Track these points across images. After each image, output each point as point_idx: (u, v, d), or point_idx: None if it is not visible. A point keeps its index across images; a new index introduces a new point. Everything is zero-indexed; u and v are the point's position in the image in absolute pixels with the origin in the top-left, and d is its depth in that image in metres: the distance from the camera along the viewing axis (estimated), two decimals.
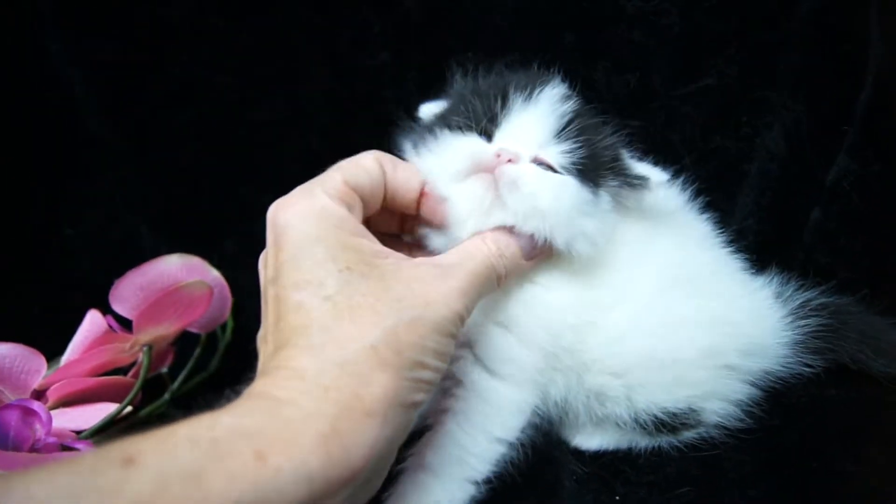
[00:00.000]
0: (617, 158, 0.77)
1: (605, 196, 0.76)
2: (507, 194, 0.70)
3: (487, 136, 0.75)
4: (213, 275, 0.96)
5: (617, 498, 0.72)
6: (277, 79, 1.13)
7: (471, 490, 0.72)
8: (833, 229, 1.04)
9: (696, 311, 0.80)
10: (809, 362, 0.85)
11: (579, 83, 0.93)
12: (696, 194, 0.89)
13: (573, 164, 0.73)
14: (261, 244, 1.10)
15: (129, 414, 0.91)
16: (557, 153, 0.73)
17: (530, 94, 0.75)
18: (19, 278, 1.17)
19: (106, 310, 0.93)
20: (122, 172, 1.17)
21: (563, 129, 0.74)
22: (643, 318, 0.78)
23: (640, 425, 0.79)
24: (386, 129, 0.97)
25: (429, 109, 0.84)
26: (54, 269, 1.18)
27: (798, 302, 0.88)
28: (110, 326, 0.92)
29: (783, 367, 0.84)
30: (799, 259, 1.03)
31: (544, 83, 0.77)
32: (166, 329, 0.93)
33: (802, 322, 0.86)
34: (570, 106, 0.76)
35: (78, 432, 0.85)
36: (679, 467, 0.77)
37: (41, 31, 1.14)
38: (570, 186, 0.73)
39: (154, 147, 1.17)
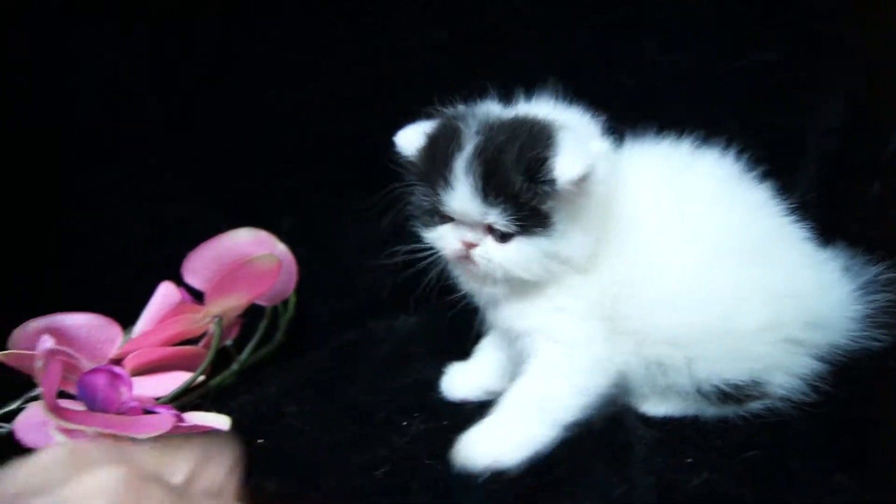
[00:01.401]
0: (545, 178, 0.77)
1: (562, 216, 0.79)
2: (490, 271, 0.81)
3: (450, 218, 0.82)
4: (280, 248, 1.01)
5: (689, 460, 0.76)
6: (332, 57, 1.18)
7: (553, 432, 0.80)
8: (893, 202, 1.06)
9: (753, 282, 0.82)
10: (877, 337, 0.86)
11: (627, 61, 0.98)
12: (754, 164, 0.90)
13: (514, 220, 0.78)
14: (317, 220, 1.18)
15: (201, 383, 0.97)
16: (497, 219, 0.78)
17: (447, 176, 0.79)
18: (82, 253, 1.24)
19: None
20: (180, 152, 1.23)
21: (487, 194, 0.77)
22: (692, 287, 0.81)
23: (704, 396, 0.83)
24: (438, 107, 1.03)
25: (406, 138, 0.86)
26: (116, 244, 1.25)
27: (866, 276, 0.89)
28: (182, 298, 0.99)
29: (850, 340, 0.86)
30: (859, 233, 1.04)
31: (456, 153, 0.79)
32: (236, 301, 0.98)
33: (871, 297, 0.87)
34: (478, 164, 0.77)
35: (155, 399, 0.91)
36: (746, 434, 0.80)
37: (92, 13, 1.20)
38: (527, 249, 0.79)
39: (209, 126, 1.22)
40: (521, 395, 0.83)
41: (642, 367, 0.84)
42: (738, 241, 0.84)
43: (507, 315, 0.86)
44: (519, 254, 0.80)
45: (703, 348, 0.81)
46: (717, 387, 0.82)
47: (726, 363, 0.82)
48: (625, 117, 0.93)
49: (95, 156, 1.23)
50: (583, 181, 0.77)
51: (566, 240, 0.80)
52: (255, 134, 1.22)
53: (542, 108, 0.87)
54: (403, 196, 0.87)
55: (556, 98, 0.88)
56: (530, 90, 0.89)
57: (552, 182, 0.76)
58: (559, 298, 0.83)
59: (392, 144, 0.87)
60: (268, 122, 1.21)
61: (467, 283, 0.87)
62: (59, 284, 1.24)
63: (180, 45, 1.20)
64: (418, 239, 0.87)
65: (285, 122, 1.21)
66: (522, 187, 0.77)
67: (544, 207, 0.78)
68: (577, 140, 0.79)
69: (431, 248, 0.86)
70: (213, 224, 1.16)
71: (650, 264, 0.82)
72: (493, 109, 0.86)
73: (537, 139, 0.78)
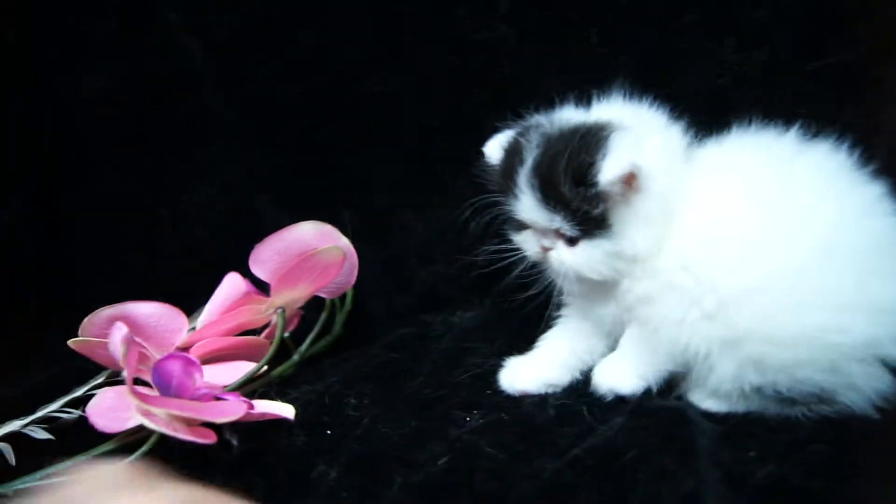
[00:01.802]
0: (590, 182, 0.83)
1: (619, 216, 0.84)
2: (564, 272, 0.89)
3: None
4: (343, 241, 1.02)
5: (751, 454, 0.77)
6: (394, 52, 1.19)
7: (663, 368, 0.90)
8: None
9: (858, 290, 0.79)
10: None
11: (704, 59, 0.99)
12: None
13: (575, 225, 0.85)
14: (374, 215, 1.22)
15: (264, 373, 1.00)
16: (561, 225, 0.86)
17: (514, 189, 0.88)
18: (134, 245, 1.29)
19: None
20: (236, 144, 1.26)
21: (547, 204, 0.85)
22: (794, 287, 0.80)
23: (788, 398, 0.82)
24: (502, 105, 1.05)
25: (490, 150, 0.95)
26: (170, 236, 1.29)
27: None
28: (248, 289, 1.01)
29: None
30: None
31: (518, 167, 0.87)
32: (300, 292, 1.01)
33: None
34: (535, 177, 0.85)
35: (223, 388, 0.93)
36: (809, 429, 0.81)
37: (161, 3, 1.23)
38: (592, 252, 0.86)
39: (269, 119, 1.25)
40: (631, 336, 0.92)
41: (733, 364, 0.83)
42: (847, 242, 0.81)
43: (594, 306, 0.94)
44: (585, 256, 0.86)
45: (804, 353, 0.80)
46: (807, 391, 0.82)
47: (817, 372, 0.80)
48: (697, 114, 0.96)
49: (160, 148, 1.28)
50: (630, 180, 0.82)
51: (627, 239, 0.85)
52: (315, 128, 1.24)
53: (610, 108, 0.91)
54: (492, 204, 0.94)
55: (627, 96, 0.93)
56: (603, 86, 0.94)
57: (595, 185, 0.82)
58: (642, 286, 0.88)
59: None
60: (328, 117, 1.23)
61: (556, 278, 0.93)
62: (124, 274, 1.28)
63: (248, 39, 1.23)
64: (503, 239, 0.96)
65: (346, 116, 1.23)
66: (572, 194, 0.83)
67: (597, 211, 0.83)
68: (626, 141, 0.83)
69: (517, 249, 0.93)
70: (273, 217, 1.20)
71: (751, 258, 0.82)
72: (561, 116, 0.91)
73: (587, 145, 0.84)
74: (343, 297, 1.13)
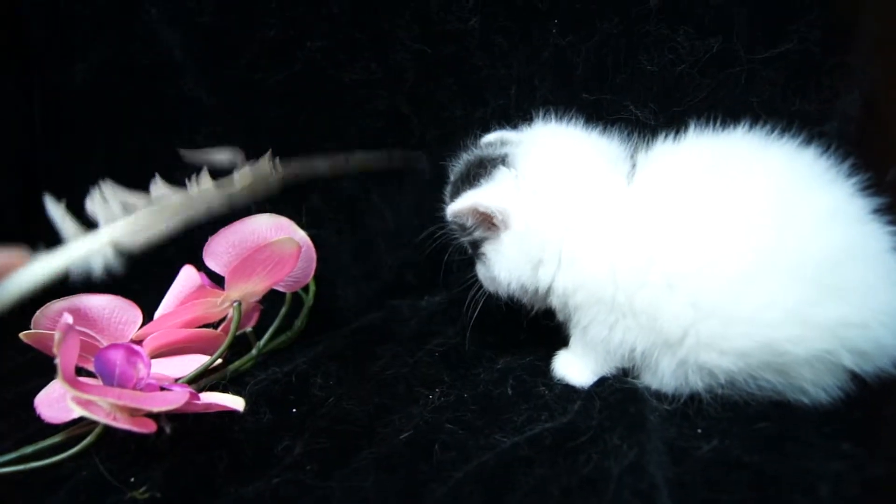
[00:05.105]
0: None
1: (491, 248, 0.93)
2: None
3: None
4: (300, 235, 1.02)
5: (699, 430, 0.78)
6: (368, 42, 1.20)
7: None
8: None
9: (816, 309, 0.77)
10: None
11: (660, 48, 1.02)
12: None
13: (469, 246, 0.97)
14: (344, 200, 1.24)
15: (219, 367, 1.00)
16: (464, 243, 0.97)
17: None
18: None
19: (197, 265, 1.01)
20: (215, 130, 1.26)
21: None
22: (744, 303, 0.78)
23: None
24: (470, 93, 1.11)
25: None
26: None
27: None
28: (202, 282, 1.01)
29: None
30: None
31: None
32: (255, 285, 1.00)
33: None
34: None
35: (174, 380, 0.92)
36: (757, 407, 0.81)
37: None
38: (482, 272, 0.97)
39: (246, 106, 1.25)
40: (574, 333, 0.94)
41: (675, 365, 0.84)
42: (803, 257, 0.78)
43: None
44: (480, 273, 0.98)
45: (754, 362, 0.80)
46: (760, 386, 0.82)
47: (768, 374, 0.80)
48: (652, 102, 1.01)
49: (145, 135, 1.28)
50: (484, 217, 0.91)
51: (493, 269, 0.93)
52: (285, 113, 1.25)
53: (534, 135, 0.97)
54: None
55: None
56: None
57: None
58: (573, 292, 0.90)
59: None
60: (299, 102, 1.24)
61: None
62: None
63: (227, 28, 1.23)
64: None
65: (315, 101, 1.23)
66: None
67: (468, 238, 0.95)
68: (492, 182, 0.92)
69: None
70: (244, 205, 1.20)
71: (688, 273, 0.81)
72: (484, 142, 0.99)
73: (470, 177, 0.95)
74: (306, 291, 1.12)
